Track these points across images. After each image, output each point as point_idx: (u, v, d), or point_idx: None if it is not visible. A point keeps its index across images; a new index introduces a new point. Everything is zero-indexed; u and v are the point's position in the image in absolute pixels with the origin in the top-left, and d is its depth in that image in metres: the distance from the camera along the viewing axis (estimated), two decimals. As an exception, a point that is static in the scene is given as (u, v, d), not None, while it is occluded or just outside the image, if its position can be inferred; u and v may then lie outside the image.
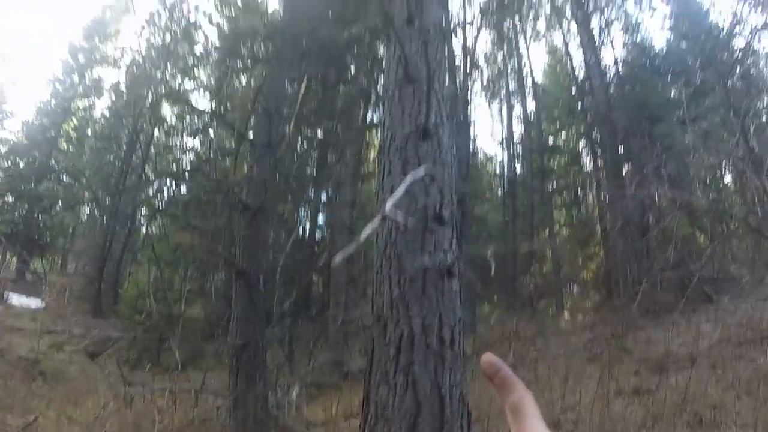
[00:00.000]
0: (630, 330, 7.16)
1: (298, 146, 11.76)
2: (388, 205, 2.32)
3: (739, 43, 12.62)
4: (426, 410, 3.38)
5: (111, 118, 19.51)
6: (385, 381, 3.58)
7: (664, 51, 12.54)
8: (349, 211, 9.87)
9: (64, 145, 20.31)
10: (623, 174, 10.23)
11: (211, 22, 11.44)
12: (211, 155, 12.57)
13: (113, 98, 19.86)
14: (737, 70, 11.38)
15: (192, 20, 13.34)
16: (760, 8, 14.55)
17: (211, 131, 14.80)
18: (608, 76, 12.80)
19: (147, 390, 5.18)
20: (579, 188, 14.96)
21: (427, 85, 3.09)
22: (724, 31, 12.68)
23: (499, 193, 15.60)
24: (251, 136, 5.75)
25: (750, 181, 7.48)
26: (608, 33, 13.20)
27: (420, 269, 3.53)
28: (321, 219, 13.08)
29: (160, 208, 12.40)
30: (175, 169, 15.87)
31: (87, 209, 19.89)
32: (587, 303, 10.90)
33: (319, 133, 11.44)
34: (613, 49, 13.14)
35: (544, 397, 4.15)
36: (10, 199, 18.54)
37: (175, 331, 6.35)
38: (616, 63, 13.01)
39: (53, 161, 19.18)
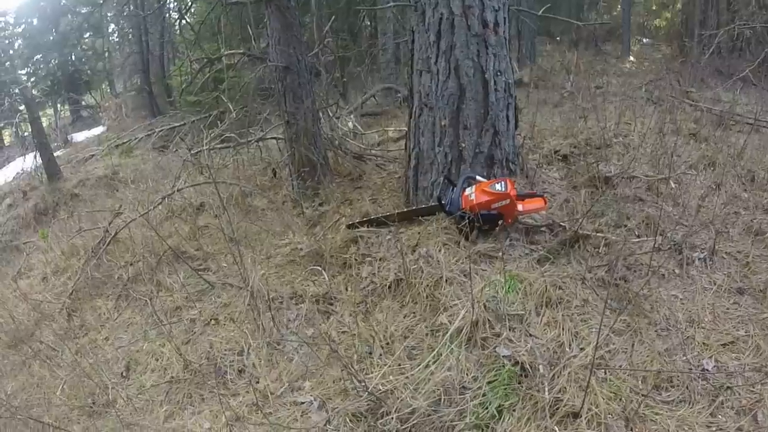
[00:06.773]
0: (696, 84, 6.55)
1: None
2: None
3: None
4: (469, 96, 2.99)
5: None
6: (426, 68, 3.12)
7: None
8: None
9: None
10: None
11: None
12: None
13: None
14: None
15: None
16: None
17: None
18: None
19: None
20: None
21: None
22: None
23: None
24: None
25: None
26: None
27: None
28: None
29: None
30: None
31: (113, 26, 18.51)
32: (655, 53, 9.80)
33: None
34: None
35: (599, 124, 4.04)
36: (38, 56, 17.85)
37: (232, 96, 6.01)
38: None
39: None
